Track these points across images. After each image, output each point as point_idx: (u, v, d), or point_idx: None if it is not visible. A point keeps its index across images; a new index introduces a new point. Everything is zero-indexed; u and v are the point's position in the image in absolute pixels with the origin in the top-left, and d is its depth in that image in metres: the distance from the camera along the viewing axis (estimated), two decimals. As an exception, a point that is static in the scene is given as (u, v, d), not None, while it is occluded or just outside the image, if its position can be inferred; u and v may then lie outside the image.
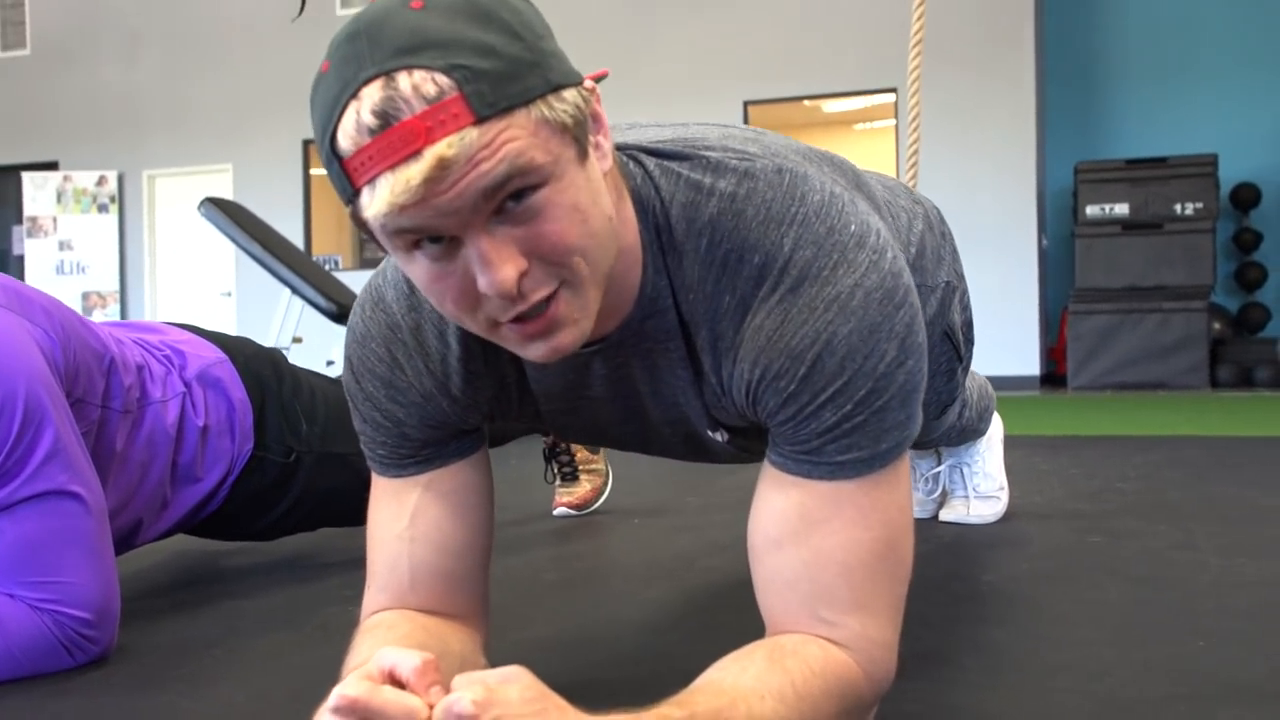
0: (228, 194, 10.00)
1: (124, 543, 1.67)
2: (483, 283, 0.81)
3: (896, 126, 8.81)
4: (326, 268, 6.74)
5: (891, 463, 0.94)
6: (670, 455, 1.22)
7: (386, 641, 0.97)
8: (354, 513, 1.76)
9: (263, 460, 1.81)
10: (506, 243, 0.81)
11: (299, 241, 10.07)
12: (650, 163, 0.97)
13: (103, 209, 10.87)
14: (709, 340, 0.96)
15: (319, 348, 5.72)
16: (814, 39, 8.80)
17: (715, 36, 9.03)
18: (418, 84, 0.76)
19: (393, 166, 0.77)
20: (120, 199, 10.94)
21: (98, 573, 1.37)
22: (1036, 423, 4.96)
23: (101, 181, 10.88)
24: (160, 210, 11.01)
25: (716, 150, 0.97)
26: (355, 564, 1.57)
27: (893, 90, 8.62)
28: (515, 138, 0.78)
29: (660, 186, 0.95)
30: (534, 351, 0.88)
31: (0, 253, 11.66)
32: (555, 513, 2.52)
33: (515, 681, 0.74)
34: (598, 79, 0.90)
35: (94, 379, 1.52)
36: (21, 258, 10.82)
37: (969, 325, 1.67)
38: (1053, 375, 8.73)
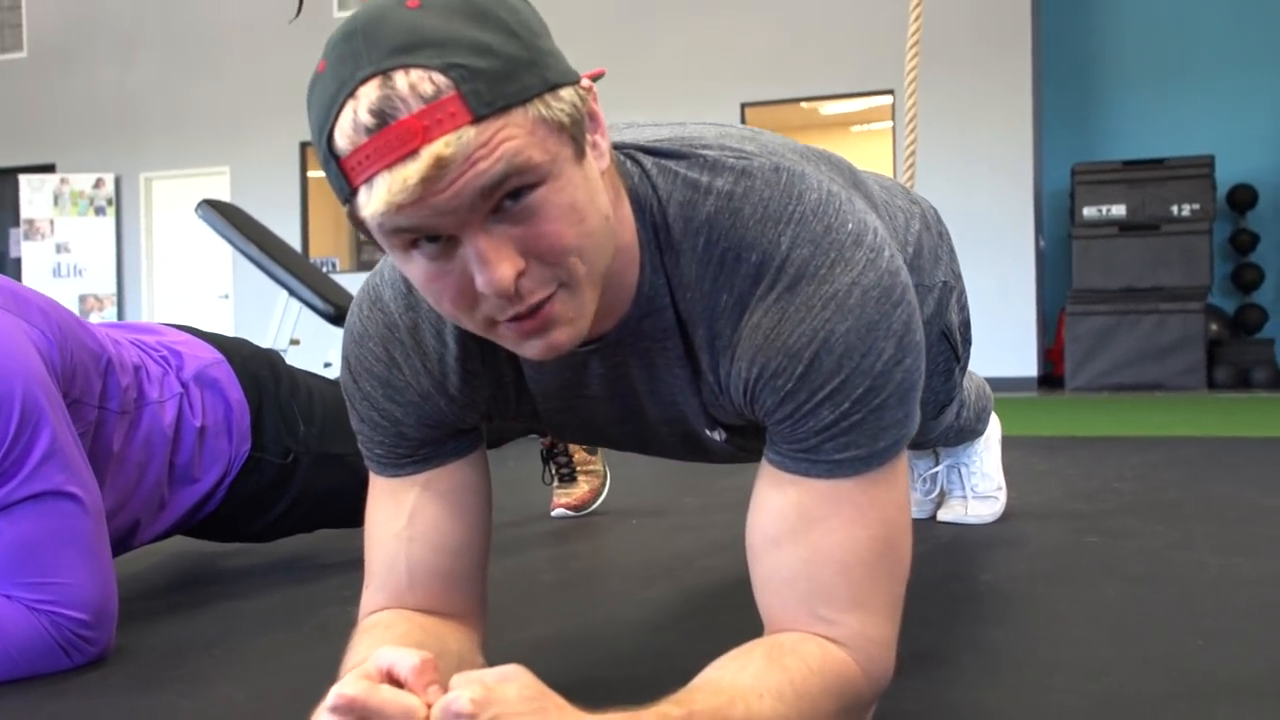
0: (225, 196, 10.00)
1: (121, 544, 1.66)
2: (480, 282, 0.81)
3: (894, 128, 8.81)
4: (324, 270, 6.74)
5: (889, 461, 0.94)
6: (668, 455, 1.22)
7: (384, 641, 0.97)
8: (352, 514, 1.76)
9: (260, 461, 1.81)
10: (504, 242, 0.81)
11: (296, 244, 10.06)
12: (647, 162, 0.97)
13: (100, 211, 10.86)
14: (706, 339, 0.96)
15: (317, 350, 5.71)
16: (811, 41, 8.80)
17: (712, 39, 9.03)
18: (415, 83, 0.76)
19: (390, 166, 0.77)
20: (117, 201, 10.93)
21: (95, 573, 1.37)
22: (1034, 423, 4.96)
23: (99, 184, 10.87)
24: (157, 213, 11.00)
25: (714, 149, 0.97)
26: (353, 565, 1.57)
27: (890, 92, 8.63)
28: (512, 137, 0.78)
29: (657, 185, 0.96)
30: (530, 349, 0.88)
31: (-3, 256, 11.66)
32: (553, 514, 2.52)
33: (513, 680, 0.74)
34: (595, 78, 0.90)
35: (91, 380, 1.52)
36: (18, 260, 10.82)
37: (966, 325, 1.68)
38: (1050, 376, 8.74)
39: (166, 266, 11.00)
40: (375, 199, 0.78)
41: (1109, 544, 2.02)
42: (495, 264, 0.80)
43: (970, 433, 2.10)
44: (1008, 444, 2.41)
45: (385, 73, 0.77)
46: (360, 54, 0.78)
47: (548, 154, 0.80)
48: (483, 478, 1.10)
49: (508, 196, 0.80)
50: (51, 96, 11.11)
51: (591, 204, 0.85)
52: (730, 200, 0.93)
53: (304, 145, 10.24)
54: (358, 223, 0.83)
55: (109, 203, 10.88)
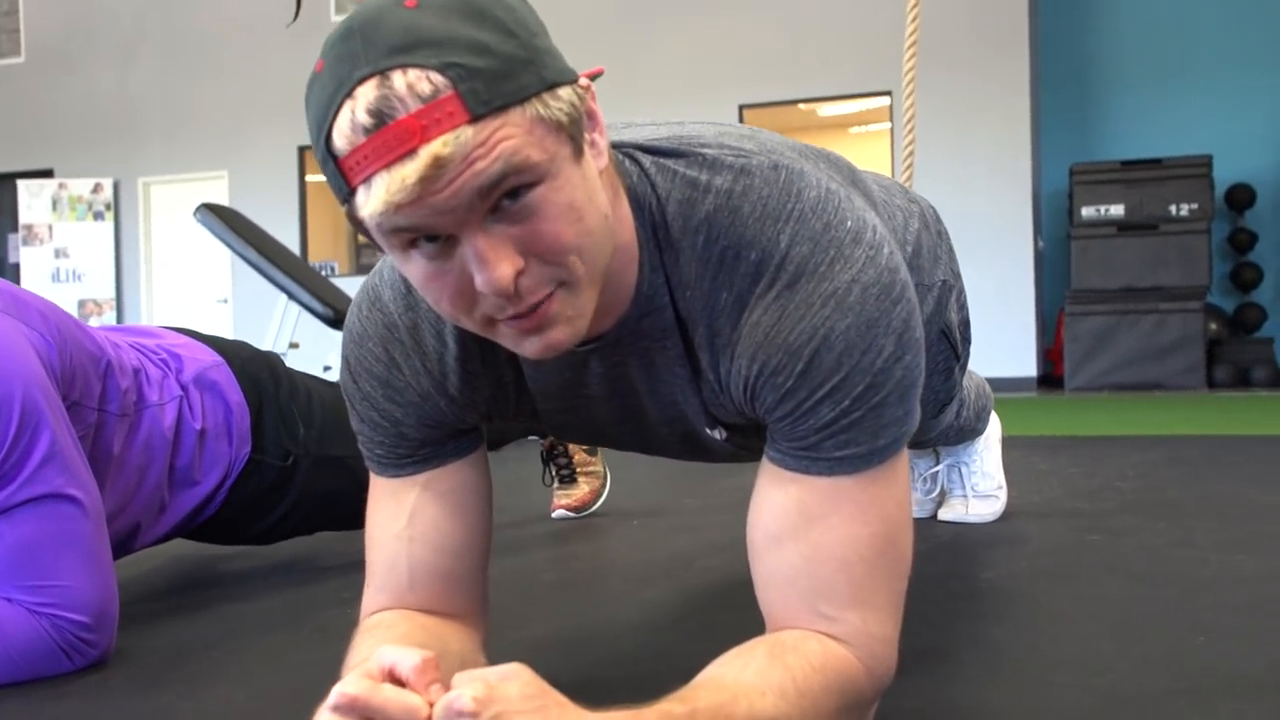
0: (224, 201, 10.00)
1: (122, 547, 1.66)
2: (479, 281, 0.81)
3: (892, 129, 8.82)
4: (323, 274, 6.74)
5: (890, 458, 0.93)
6: (668, 455, 1.22)
7: (386, 641, 0.97)
8: (352, 516, 1.76)
9: (260, 464, 1.81)
10: (503, 241, 0.81)
11: (295, 248, 10.06)
12: (646, 160, 0.97)
13: (98, 216, 10.86)
14: (706, 337, 0.96)
15: (316, 353, 5.72)
16: (809, 42, 8.80)
17: (711, 40, 9.04)
18: (412, 83, 0.76)
19: (388, 165, 0.77)
20: (116, 206, 10.93)
21: (95, 576, 1.37)
22: (1034, 423, 4.96)
23: (97, 189, 10.87)
24: (156, 217, 11.00)
25: (712, 147, 0.97)
26: (353, 567, 1.57)
27: (888, 93, 8.63)
28: (510, 136, 0.78)
29: (656, 184, 0.96)
30: (529, 348, 0.88)
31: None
32: (553, 515, 2.52)
33: (515, 678, 0.74)
34: (593, 77, 0.90)
35: (90, 382, 1.52)
36: (17, 266, 10.82)
37: (966, 324, 1.68)
38: (1050, 377, 8.74)
39: (165, 271, 11.00)
40: (374, 199, 0.78)
41: (1110, 542, 2.02)
42: (494, 263, 0.80)
43: (970, 432, 2.10)
44: (1008, 444, 2.41)
45: (383, 72, 0.77)
46: (358, 54, 0.78)
47: (546, 153, 0.80)
48: (483, 478, 1.10)
49: (506, 196, 0.80)
50: (50, 101, 11.11)
51: (590, 203, 0.85)
52: (729, 198, 0.93)
53: (302, 149, 10.24)
54: (356, 222, 0.83)
55: (107, 208, 10.88)
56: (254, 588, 1.91)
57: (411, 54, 0.76)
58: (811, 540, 0.93)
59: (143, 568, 2.08)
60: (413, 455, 1.05)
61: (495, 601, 1.17)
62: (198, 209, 4.71)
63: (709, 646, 0.93)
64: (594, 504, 2.56)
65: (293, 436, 1.84)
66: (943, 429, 1.89)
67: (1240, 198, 8.89)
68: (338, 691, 0.74)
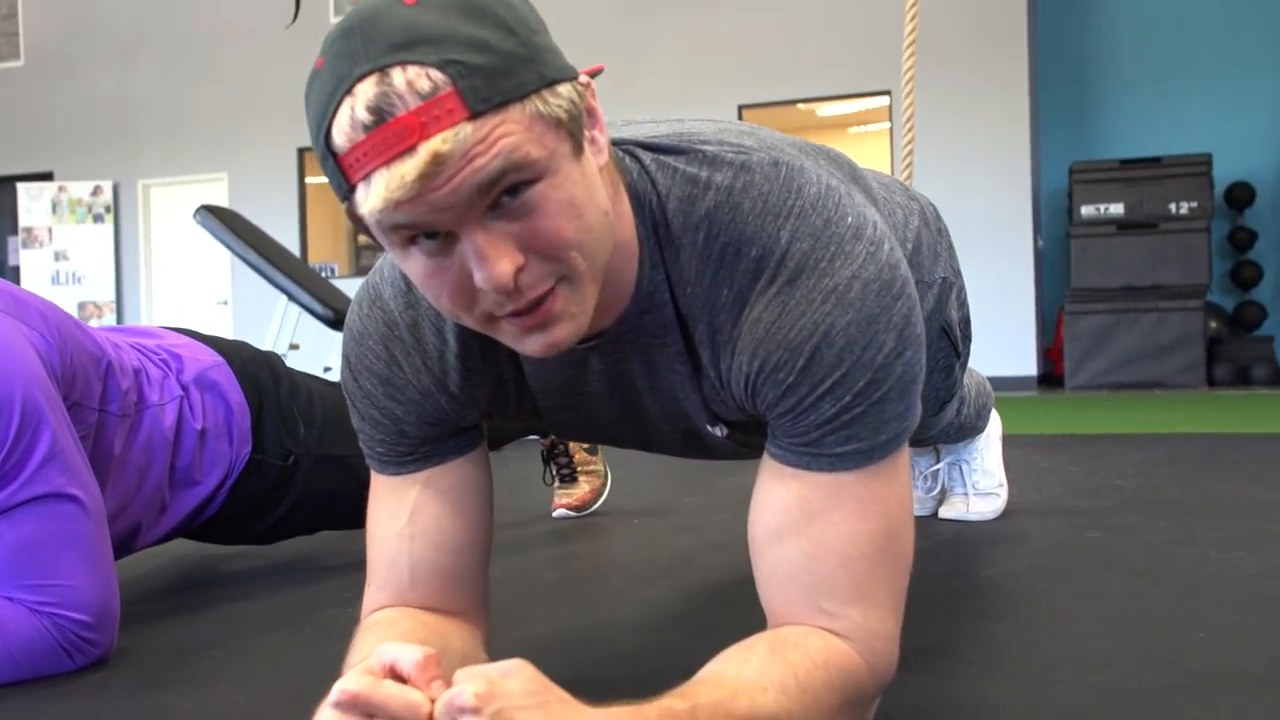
0: (223, 203, 10.00)
1: (123, 547, 1.66)
2: (479, 278, 0.81)
3: (891, 129, 8.82)
4: (322, 275, 6.74)
5: (891, 454, 0.94)
6: (669, 452, 1.22)
7: (387, 638, 0.97)
8: (352, 515, 1.76)
9: (261, 463, 1.81)
10: (503, 238, 0.81)
11: (295, 250, 10.06)
12: (646, 157, 0.97)
13: (98, 219, 10.86)
14: (707, 334, 0.96)
15: (316, 354, 5.71)
16: (808, 42, 8.81)
17: (710, 41, 9.04)
18: (412, 80, 0.76)
19: (388, 162, 0.77)
20: (115, 209, 10.93)
21: (97, 575, 1.37)
22: (1034, 422, 4.96)
23: (97, 191, 10.87)
24: (156, 220, 11.00)
25: (712, 144, 0.97)
26: (354, 566, 1.57)
27: (887, 93, 8.63)
28: (510, 133, 0.78)
29: (656, 181, 0.96)
30: (531, 345, 0.88)
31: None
32: (554, 514, 2.52)
33: (517, 674, 0.74)
34: (593, 74, 0.90)
35: (91, 382, 1.52)
36: (17, 268, 10.82)
37: (966, 321, 1.68)
38: (1050, 375, 8.74)
39: (165, 273, 11.00)
40: (373, 196, 0.78)
41: (1110, 540, 2.02)
42: (494, 260, 0.80)
43: (971, 430, 2.10)
44: (1008, 442, 2.41)
45: (382, 70, 0.77)
46: (357, 51, 0.78)
47: (545, 150, 0.80)
48: (484, 475, 1.10)
49: (506, 192, 0.80)
50: (49, 104, 11.11)
51: (590, 199, 0.85)
52: (729, 195, 0.93)
53: (302, 151, 10.25)
54: (356, 220, 0.83)
55: (107, 210, 10.88)
56: (255, 587, 1.91)
57: (411, 51, 0.76)
58: (813, 536, 0.93)
59: (144, 568, 2.08)
60: (413, 453, 1.05)
61: (496, 601, 1.18)
62: (197, 210, 4.71)
63: (709, 645, 0.93)
64: (595, 503, 2.56)
65: (293, 436, 1.84)
66: (943, 427, 1.89)
67: (1240, 196, 8.89)
68: (339, 688, 0.74)
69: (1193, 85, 9.11)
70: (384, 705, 0.73)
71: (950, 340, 1.60)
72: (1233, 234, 8.98)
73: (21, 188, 10.78)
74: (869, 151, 9.31)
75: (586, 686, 0.81)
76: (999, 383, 4.91)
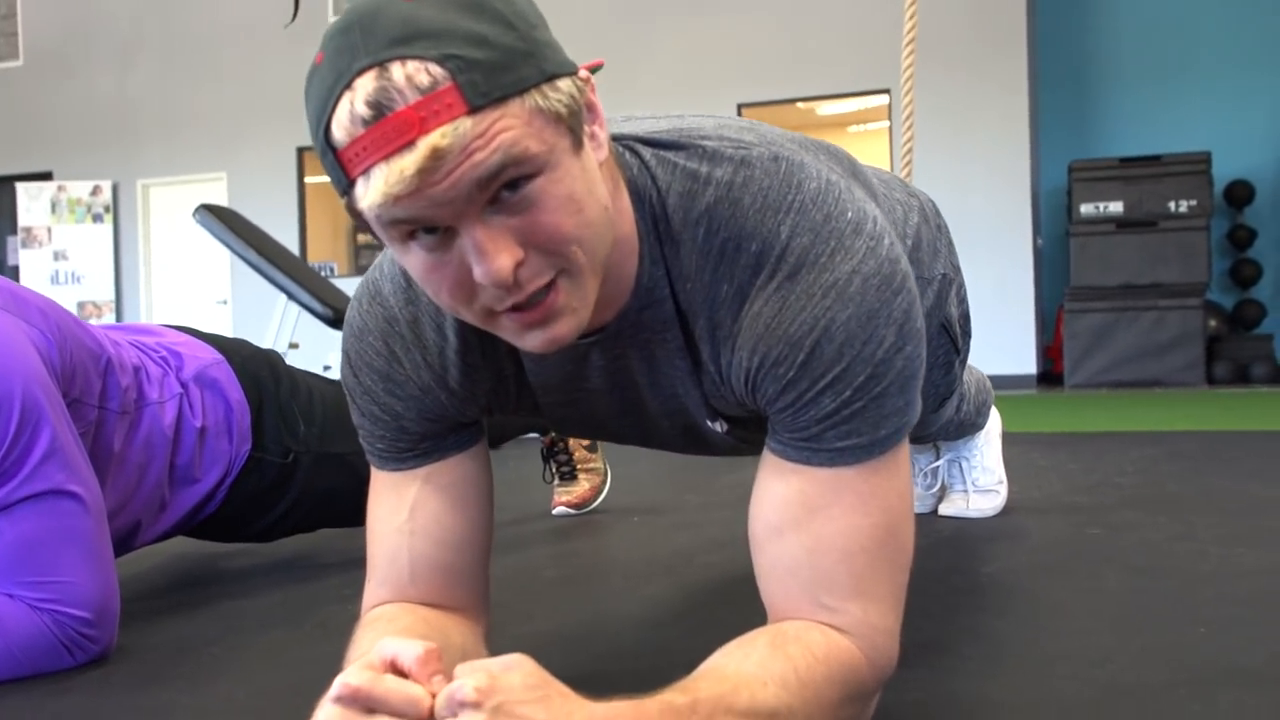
0: (223, 202, 9.99)
1: (122, 544, 1.66)
2: (478, 273, 0.81)
3: (890, 128, 8.82)
4: (322, 274, 6.74)
5: (891, 449, 0.94)
6: (669, 448, 1.22)
7: (387, 633, 0.97)
8: (352, 513, 1.76)
9: (260, 461, 1.81)
10: (502, 233, 0.81)
11: (294, 249, 10.06)
12: (646, 153, 0.97)
13: (97, 219, 10.86)
14: (707, 329, 0.96)
15: (316, 354, 5.71)
16: (807, 41, 8.80)
17: (709, 39, 9.04)
18: (411, 74, 0.76)
19: (387, 157, 0.77)
20: (115, 208, 10.93)
21: (97, 572, 1.37)
22: (1034, 420, 4.96)
23: (96, 191, 10.87)
24: (155, 219, 11.00)
25: (712, 139, 0.97)
26: (354, 564, 1.58)
27: (886, 92, 8.63)
28: (509, 127, 0.78)
29: (657, 176, 0.96)
30: (531, 341, 0.88)
31: (-5, 264, 11.65)
32: (554, 512, 2.52)
33: (518, 669, 0.74)
34: (593, 69, 0.90)
35: (91, 379, 1.52)
36: (16, 268, 10.81)
37: (966, 318, 1.67)
38: (1049, 374, 8.74)
39: (164, 273, 11.00)
40: (373, 190, 0.78)
41: (1110, 536, 2.02)
42: (493, 255, 0.80)
43: (971, 426, 2.10)
44: (1008, 440, 2.41)
45: (382, 64, 0.77)
46: (357, 46, 0.78)
47: (545, 144, 0.80)
48: (484, 471, 1.10)
49: (505, 187, 0.80)
50: (48, 104, 11.11)
51: (590, 194, 0.85)
52: (730, 190, 0.93)
53: (301, 150, 10.24)
54: (355, 214, 0.83)
55: (106, 210, 10.88)
56: (255, 585, 1.91)
57: (410, 46, 0.76)
58: (813, 531, 0.93)
59: (143, 565, 2.08)
60: (413, 449, 1.05)
61: (497, 598, 1.18)
62: (197, 210, 4.70)
63: (710, 641, 0.93)
64: (594, 501, 2.56)
65: (293, 434, 1.84)
66: (943, 424, 1.89)
67: (1239, 194, 8.89)
68: (340, 682, 0.74)
69: (1192, 84, 9.11)
70: (385, 700, 0.73)
71: (950, 337, 1.60)
72: (1232, 232, 8.98)
73: (21, 187, 10.78)
74: (868, 150, 9.30)
75: (587, 682, 0.81)
76: (998, 381, 4.92)
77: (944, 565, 1.83)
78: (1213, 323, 8.16)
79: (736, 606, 1.23)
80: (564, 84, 0.82)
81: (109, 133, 10.90)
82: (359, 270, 10.17)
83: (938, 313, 1.53)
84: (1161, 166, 8.12)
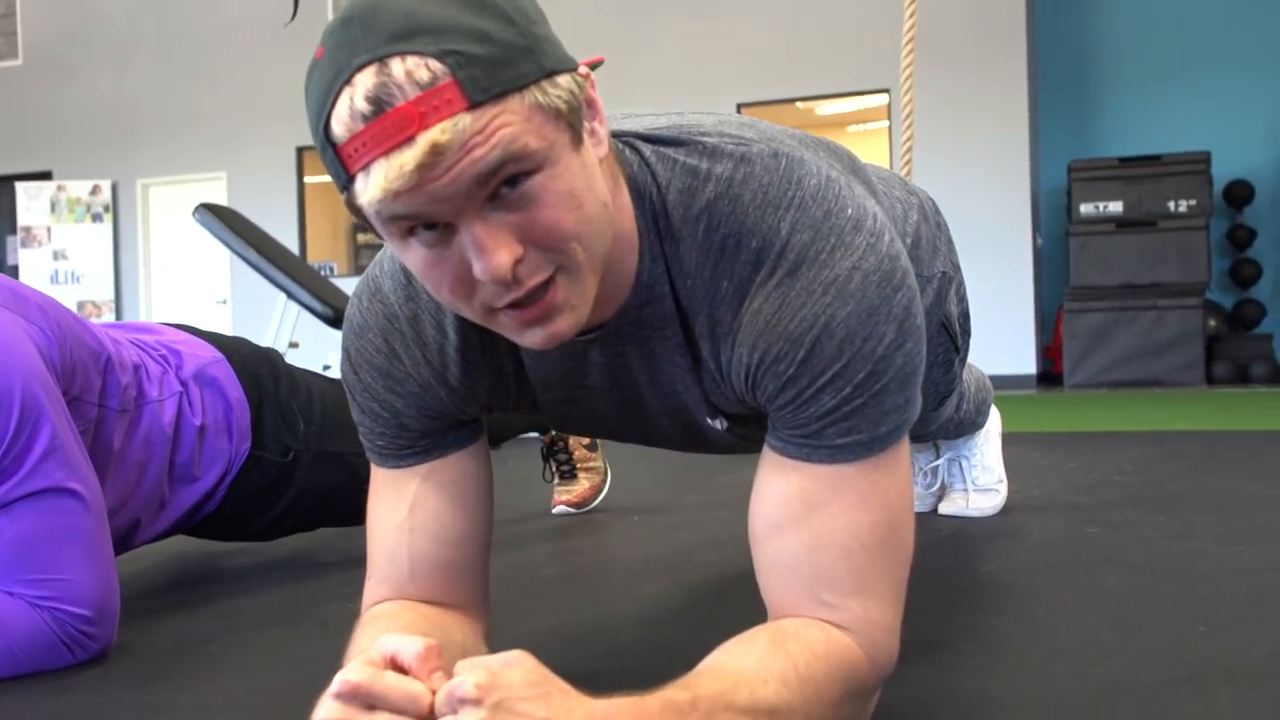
0: (222, 202, 9.98)
1: (122, 543, 1.66)
2: (478, 269, 0.81)
3: (890, 128, 8.82)
4: (322, 274, 6.73)
5: (891, 446, 0.94)
6: (668, 446, 1.22)
7: (387, 630, 0.96)
8: (352, 512, 1.76)
9: (260, 460, 1.81)
10: (501, 229, 0.81)
11: (294, 249, 10.06)
12: (646, 149, 0.97)
13: (97, 218, 10.86)
14: (707, 326, 0.96)
15: (316, 353, 5.71)
16: (807, 41, 8.80)
17: (708, 39, 9.04)
18: (411, 70, 0.76)
19: (386, 153, 0.77)
20: (114, 208, 10.92)
21: (97, 570, 1.37)
22: (1033, 420, 4.96)
23: (95, 191, 10.86)
24: (154, 219, 10.99)
25: (713, 136, 0.97)
26: (354, 563, 1.57)
27: (885, 91, 8.63)
28: (509, 123, 0.78)
29: (656, 173, 0.96)
30: (531, 338, 0.88)
31: (-5, 263, 11.65)
32: (554, 511, 2.52)
33: (518, 665, 0.74)
34: (593, 65, 0.90)
35: (90, 377, 1.52)
36: (16, 268, 10.81)
37: (966, 316, 1.67)
38: (1049, 374, 8.74)
39: (164, 272, 10.99)
40: (372, 186, 0.78)
41: (1109, 535, 2.02)
42: (492, 251, 0.80)
43: (970, 425, 2.10)
44: (1008, 440, 2.41)
45: (382, 60, 0.77)
46: (357, 41, 0.78)
47: (545, 141, 0.80)
48: (484, 469, 1.10)
49: (505, 183, 0.80)
50: (48, 104, 11.11)
51: (589, 190, 0.85)
52: (730, 186, 0.93)
53: (300, 150, 10.24)
54: (355, 210, 0.83)
55: (106, 209, 10.87)
56: (254, 583, 1.91)
57: (410, 41, 0.76)
58: (813, 528, 0.93)
59: (143, 564, 2.08)
60: (413, 446, 1.05)
61: (497, 596, 1.17)
62: (196, 209, 4.70)
63: (709, 639, 0.93)
64: (594, 500, 2.56)
65: (293, 432, 1.84)
66: (942, 422, 1.89)
67: (1239, 194, 8.89)
68: (340, 679, 0.74)
69: (1192, 83, 9.12)
70: (385, 696, 0.73)
71: (950, 335, 1.60)
72: (1231, 232, 8.98)
73: (20, 187, 10.78)
74: (868, 150, 9.29)
75: (587, 680, 0.81)
76: (998, 381, 4.92)
77: (944, 564, 1.83)
78: (1212, 322, 8.16)
79: (735, 605, 1.23)
80: (564, 80, 0.82)
81: (108, 132, 10.89)
82: (359, 270, 10.17)
83: (937, 311, 1.53)
84: (1161, 166, 8.13)
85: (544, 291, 0.85)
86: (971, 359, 1.86)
